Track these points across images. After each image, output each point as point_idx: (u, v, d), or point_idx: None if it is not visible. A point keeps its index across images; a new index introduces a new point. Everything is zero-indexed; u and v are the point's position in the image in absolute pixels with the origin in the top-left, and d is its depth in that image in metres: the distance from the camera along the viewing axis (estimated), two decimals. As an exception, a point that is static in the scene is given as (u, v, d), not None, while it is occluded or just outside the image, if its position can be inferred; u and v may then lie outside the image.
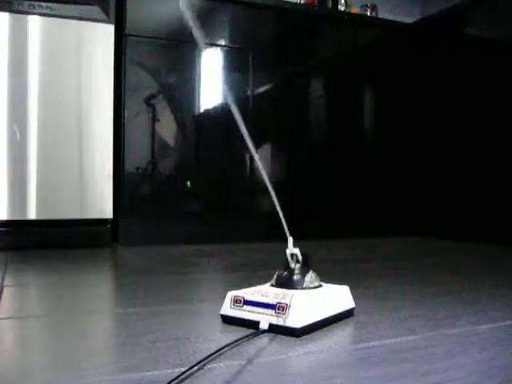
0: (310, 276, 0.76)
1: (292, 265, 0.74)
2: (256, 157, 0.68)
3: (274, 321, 0.67)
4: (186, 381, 0.50)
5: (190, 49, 1.99)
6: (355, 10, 2.60)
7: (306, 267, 0.76)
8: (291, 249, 0.74)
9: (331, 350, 0.62)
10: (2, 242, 1.67)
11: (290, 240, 0.73)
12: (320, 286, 0.77)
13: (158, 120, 1.94)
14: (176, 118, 1.99)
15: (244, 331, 0.67)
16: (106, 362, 0.58)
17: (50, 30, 1.74)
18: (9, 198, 1.68)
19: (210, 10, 2.02)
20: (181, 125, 2.00)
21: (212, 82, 2.05)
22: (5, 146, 1.68)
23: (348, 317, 0.77)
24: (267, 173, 0.68)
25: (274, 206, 0.68)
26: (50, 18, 1.73)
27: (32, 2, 1.70)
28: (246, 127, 0.63)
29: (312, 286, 0.75)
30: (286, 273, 0.76)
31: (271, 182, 0.67)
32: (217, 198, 2.04)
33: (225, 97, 2.04)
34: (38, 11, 1.71)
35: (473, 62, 2.13)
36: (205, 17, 2.01)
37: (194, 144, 2.04)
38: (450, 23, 2.26)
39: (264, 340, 0.65)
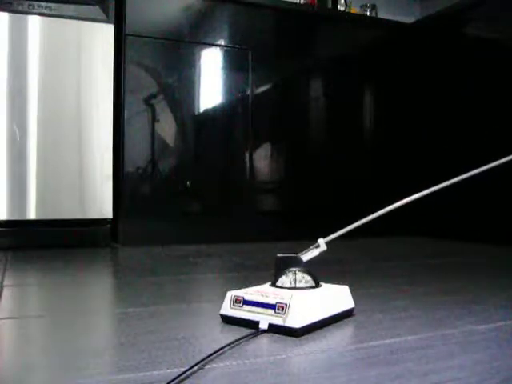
0: (310, 276, 0.76)
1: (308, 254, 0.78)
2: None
3: (274, 321, 0.67)
4: (186, 381, 0.50)
5: (190, 49, 1.99)
6: (355, 9, 2.60)
7: (305, 267, 0.76)
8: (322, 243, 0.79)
9: (331, 350, 0.62)
10: (2, 242, 1.67)
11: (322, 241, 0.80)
12: (320, 285, 0.77)
13: (158, 120, 1.94)
14: (176, 118, 1.99)
15: (244, 331, 0.67)
16: (106, 362, 0.58)
17: (49, 30, 1.74)
18: (8, 198, 1.68)
19: (210, 9, 2.02)
20: (181, 125, 2.00)
21: (212, 82, 2.04)
22: (5, 146, 1.68)
23: (348, 317, 0.77)
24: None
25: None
26: (50, 18, 1.73)
27: (32, 2, 1.70)
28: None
29: (311, 285, 0.75)
30: (285, 273, 0.76)
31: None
32: (217, 197, 2.04)
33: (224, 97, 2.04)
34: (38, 11, 1.71)
35: (472, 62, 2.13)
36: (205, 17, 2.01)
37: (193, 144, 2.04)
38: (450, 23, 2.26)
39: (264, 340, 0.65)
